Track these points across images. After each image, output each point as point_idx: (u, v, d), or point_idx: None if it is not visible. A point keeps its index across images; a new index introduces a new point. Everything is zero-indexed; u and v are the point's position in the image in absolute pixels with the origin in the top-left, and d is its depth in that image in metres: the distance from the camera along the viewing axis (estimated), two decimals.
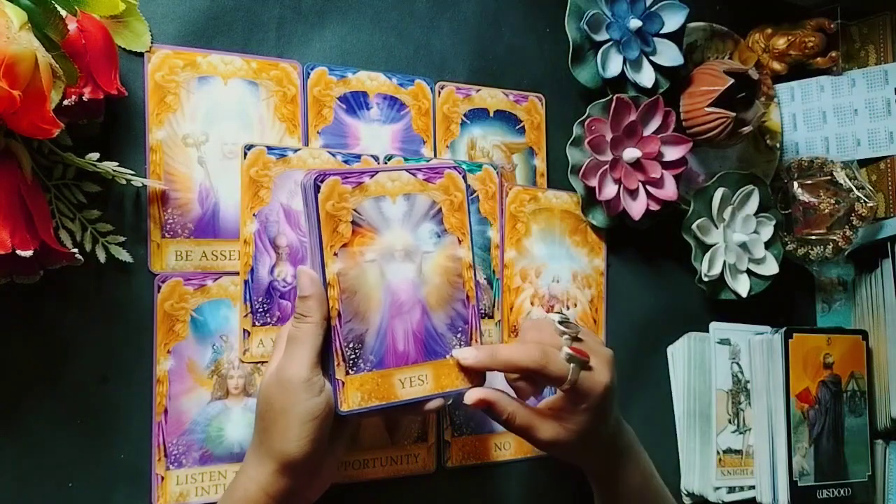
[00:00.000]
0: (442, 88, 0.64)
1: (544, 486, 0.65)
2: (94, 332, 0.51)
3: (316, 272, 0.43)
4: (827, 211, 0.75)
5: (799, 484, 0.70)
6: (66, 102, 0.44)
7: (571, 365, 0.47)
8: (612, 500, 0.56)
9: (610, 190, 0.65)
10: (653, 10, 0.67)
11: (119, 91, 0.48)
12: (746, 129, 0.68)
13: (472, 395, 0.47)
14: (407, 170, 0.45)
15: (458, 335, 0.48)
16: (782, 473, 0.70)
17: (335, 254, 0.43)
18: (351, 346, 0.44)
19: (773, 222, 0.73)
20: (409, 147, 0.62)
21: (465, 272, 0.47)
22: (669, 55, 0.68)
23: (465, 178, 0.48)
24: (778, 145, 0.79)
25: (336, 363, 0.44)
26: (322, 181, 0.42)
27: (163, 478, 0.52)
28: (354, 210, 0.43)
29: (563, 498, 0.66)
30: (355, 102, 0.60)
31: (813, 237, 0.76)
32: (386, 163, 0.60)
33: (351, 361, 0.44)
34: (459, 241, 0.46)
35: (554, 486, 0.66)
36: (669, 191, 0.66)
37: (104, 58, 0.47)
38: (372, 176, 0.44)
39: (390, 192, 0.44)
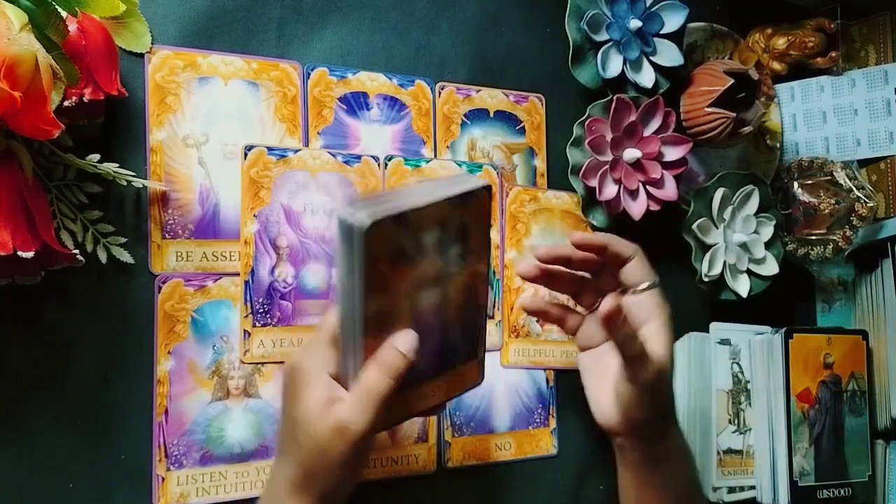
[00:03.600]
0: (442, 89, 0.64)
1: (545, 485, 0.65)
2: (95, 333, 0.51)
3: (351, 315, 0.40)
4: (827, 211, 0.75)
5: (799, 484, 0.70)
6: (66, 103, 0.44)
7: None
8: (651, 491, 0.53)
9: (610, 190, 0.65)
10: (653, 10, 0.67)
11: (119, 92, 0.48)
12: (746, 130, 0.68)
13: (608, 306, 0.44)
14: (448, 198, 0.41)
15: (468, 344, 0.47)
16: (783, 473, 0.70)
17: (377, 294, 0.39)
18: None
19: (774, 222, 0.73)
20: (409, 147, 0.62)
21: (482, 285, 0.46)
22: (669, 55, 0.68)
23: (490, 195, 0.45)
24: (778, 145, 0.79)
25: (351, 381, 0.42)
26: (375, 224, 0.37)
27: (163, 478, 0.52)
28: (398, 246, 0.40)
29: (564, 498, 0.66)
30: (356, 103, 0.60)
31: (813, 237, 0.76)
32: (387, 164, 0.60)
33: None
34: (480, 257, 0.44)
35: (554, 485, 0.66)
36: (670, 191, 0.66)
37: (105, 59, 0.47)
38: (417, 210, 0.39)
39: (429, 223, 0.41)
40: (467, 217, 0.43)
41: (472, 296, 0.45)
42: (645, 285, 0.51)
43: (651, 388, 0.49)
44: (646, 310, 0.51)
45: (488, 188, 0.43)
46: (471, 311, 0.45)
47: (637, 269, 0.52)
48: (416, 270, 0.41)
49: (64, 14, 0.42)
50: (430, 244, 0.41)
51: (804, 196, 0.76)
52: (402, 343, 0.41)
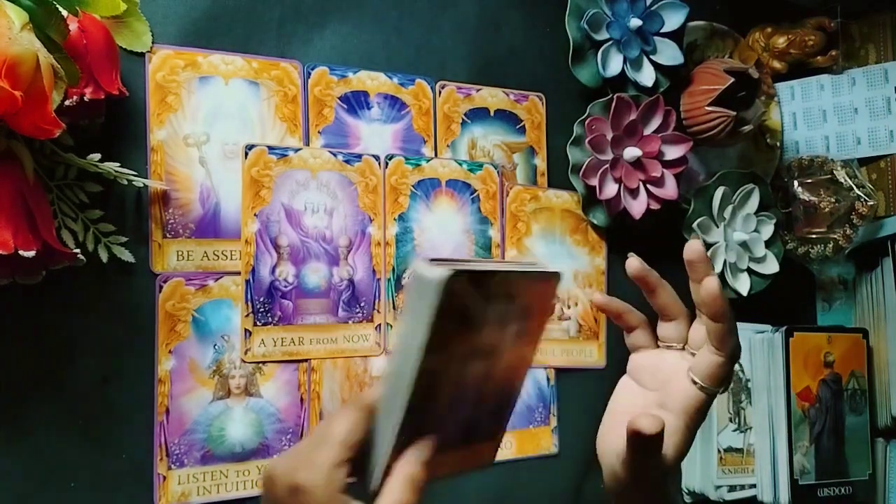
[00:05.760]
0: (442, 88, 0.64)
1: (545, 484, 0.65)
2: (96, 332, 0.51)
3: (405, 368, 0.38)
4: (827, 210, 0.75)
5: (800, 482, 0.70)
6: (67, 103, 0.44)
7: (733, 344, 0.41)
8: None
9: (610, 189, 0.65)
10: (653, 9, 0.67)
11: (120, 91, 0.48)
12: (747, 128, 0.68)
13: (650, 423, 0.37)
14: (524, 272, 0.40)
15: (493, 424, 0.44)
16: (783, 472, 0.70)
17: (434, 350, 0.37)
18: (405, 438, 0.40)
19: (774, 221, 0.73)
20: (409, 146, 0.62)
21: (524, 369, 0.44)
22: (670, 54, 0.68)
23: (559, 283, 0.42)
24: (778, 144, 0.79)
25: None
26: (455, 276, 0.36)
27: (165, 477, 0.52)
28: (469, 307, 0.38)
29: (564, 497, 0.66)
30: (356, 102, 0.60)
31: (813, 236, 0.76)
32: (387, 163, 0.60)
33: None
34: (532, 342, 0.43)
35: (555, 484, 0.66)
36: (670, 190, 0.66)
37: (105, 58, 0.47)
38: (495, 275, 0.38)
39: (501, 293, 0.39)
40: (534, 298, 0.41)
41: (512, 378, 0.43)
42: (717, 390, 0.41)
43: (641, 477, 0.42)
44: (689, 404, 0.42)
45: (558, 275, 0.42)
46: (507, 392, 0.44)
47: (722, 368, 0.41)
48: (476, 337, 0.39)
49: (65, 13, 0.42)
50: (496, 314, 0.39)
51: (804, 195, 0.76)
52: (422, 452, 0.37)
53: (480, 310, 0.38)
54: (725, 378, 0.42)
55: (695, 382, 0.41)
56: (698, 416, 0.42)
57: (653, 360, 0.45)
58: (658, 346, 0.45)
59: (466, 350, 0.39)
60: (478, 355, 0.40)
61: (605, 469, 0.44)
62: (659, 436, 0.37)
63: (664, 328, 0.45)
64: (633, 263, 0.44)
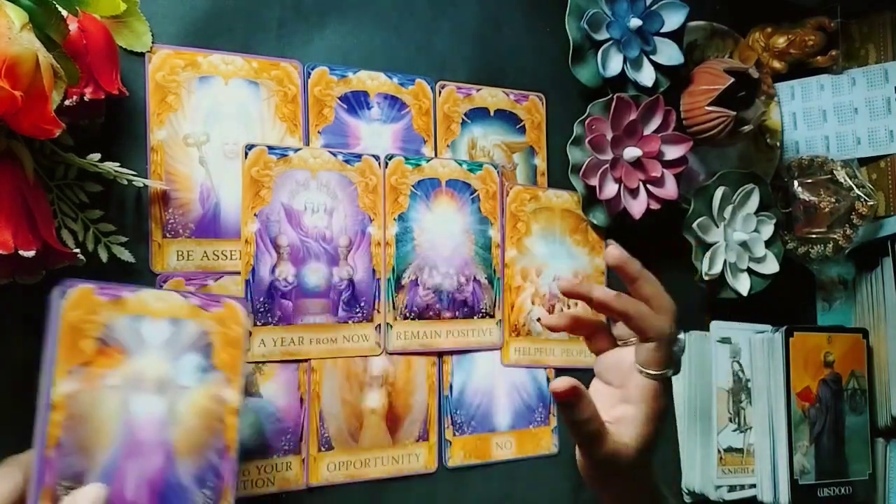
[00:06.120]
0: (442, 88, 0.64)
1: (545, 484, 0.65)
2: None
3: (44, 388, 0.36)
4: (827, 209, 0.75)
5: (800, 482, 0.70)
6: (67, 103, 0.44)
7: (677, 357, 0.43)
8: None
9: (610, 189, 0.65)
10: (653, 9, 0.67)
11: (120, 91, 0.48)
12: (747, 128, 0.68)
13: (564, 383, 0.40)
14: (180, 292, 0.40)
15: (206, 490, 0.39)
16: (783, 472, 0.70)
17: (69, 371, 0.36)
18: (65, 485, 0.37)
19: (774, 221, 0.73)
20: (409, 146, 0.62)
21: (229, 418, 0.40)
22: (669, 54, 0.68)
23: (246, 312, 0.41)
24: (778, 144, 0.79)
25: (41, 501, 0.36)
26: (69, 288, 0.35)
27: None
28: (105, 326, 0.37)
29: (565, 496, 0.66)
30: (356, 102, 0.60)
31: (813, 236, 0.76)
32: (387, 163, 0.60)
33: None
34: (229, 381, 0.40)
35: (555, 484, 0.66)
36: (670, 190, 0.66)
37: (105, 58, 0.47)
38: (134, 292, 0.38)
39: (154, 312, 0.38)
40: (210, 325, 0.39)
41: (213, 426, 0.40)
42: (657, 373, 0.43)
43: (598, 468, 0.43)
44: (639, 392, 0.43)
45: (242, 302, 0.40)
46: (211, 446, 0.40)
47: (655, 352, 0.43)
48: (132, 363, 0.37)
49: (64, 13, 0.42)
50: (155, 339, 0.38)
51: (804, 195, 0.76)
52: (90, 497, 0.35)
53: (125, 328, 0.36)
54: (664, 360, 0.43)
55: (640, 371, 0.43)
56: (656, 403, 0.43)
57: (614, 359, 0.46)
58: (618, 345, 0.47)
59: (120, 376, 0.36)
60: (143, 387, 0.37)
61: (580, 468, 0.46)
62: (569, 393, 0.40)
63: (618, 327, 0.47)
64: (612, 252, 0.45)
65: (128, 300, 0.37)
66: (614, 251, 0.45)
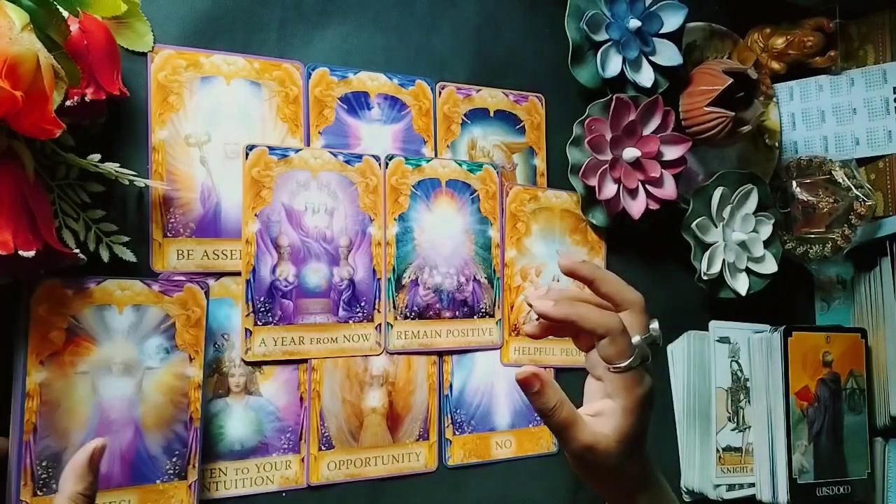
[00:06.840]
0: (442, 88, 0.64)
1: (545, 484, 0.65)
2: None
3: (18, 378, 0.38)
4: (826, 210, 0.75)
5: (798, 481, 0.71)
6: (68, 103, 0.44)
7: (637, 348, 0.44)
8: None
9: (610, 189, 0.66)
10: (652, 10, 0.67)
11: (121, 91, 0.48)
12: (745, 129, 0.68)
13: (526, 370, 0.42)
14: (142, 280, 0.42)
15: (174, 459, 0.43)
16: (782, 471, 0.71)
17: (41, 362, 0.38)
18: (44, 464, 0.39)
19: (772, 221, 0.73)
20: (409, 147, 0.62)
21: (193, 392, 0.44)
22: (669, 55, 0.68)
23: (207, 294, 0.44)
24: (777, 144, 0.80)
25: (23, 482, 0.39)
26: (38, 286, 0.37)
27: None
28: (72, 317, 0.39)
29: (564, 496, 0.66)
30: (356, 103, 0.60)
31: (812, 236, 0.76)
32: (387, 163, 0.60)
33: (42, 482, 0.39)
34: (191, 359, 0.43)
35: (555, 483, 0.66)
36: (669, 190, 0.67)
37: (106, 58, 0.47)
38: (99, 283, 0.40)
39: (118, 300, 0.41)
40: (171, 309, 0.42)
41: (178, 400, 0.43)
42: (620, 366, 0.43)
43: (581, 459, 0.44)
44: (612, 386, 0.44)
45: (201, 284, 0.42)
46: (177, 419, 0.43)
47: (610, 347, 0.44)
48: (100, 350, 0.39)
49: (66, 14, 0.42)
50: (120, 326, 0.40)
51: (803, 195, 0.76)
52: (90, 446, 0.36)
53: (91, 317, 0.39)
54: (623, 352, 0.44)
55: (607, 367, 0.44)
56: (631, 394, 0.44)
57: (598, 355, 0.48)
58: None
59: (89, 362, 0.39)
60: (111, 371, 0.40)
61: (570, 465, 0.47)
62: (529, 381, 0.42)
63: (601, 346, 0.47)
64: (561, 261, 0.47)
65: (93, 291, 0.40)
66: (562, 260, 0.47)
